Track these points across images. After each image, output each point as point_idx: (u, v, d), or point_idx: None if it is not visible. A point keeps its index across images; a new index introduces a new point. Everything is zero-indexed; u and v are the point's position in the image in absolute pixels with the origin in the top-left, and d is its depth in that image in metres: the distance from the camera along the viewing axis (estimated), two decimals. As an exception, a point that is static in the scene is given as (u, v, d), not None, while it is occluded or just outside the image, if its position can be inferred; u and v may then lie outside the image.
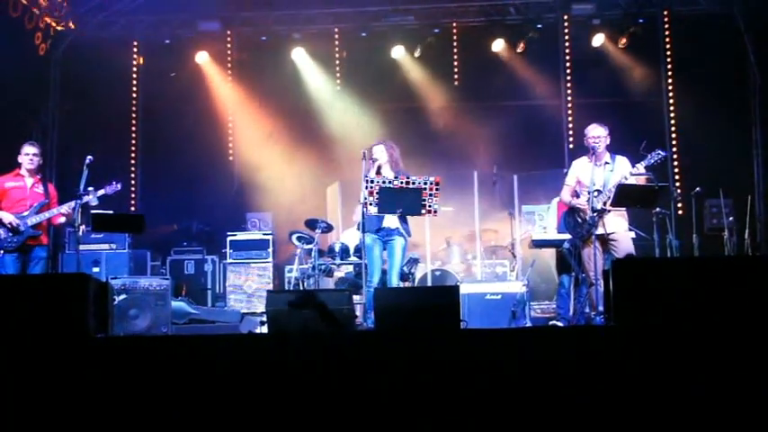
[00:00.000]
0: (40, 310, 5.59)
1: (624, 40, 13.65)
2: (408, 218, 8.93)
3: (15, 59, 11.98)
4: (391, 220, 8.94)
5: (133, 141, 14.48)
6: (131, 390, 5.28)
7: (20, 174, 9.03)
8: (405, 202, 8.35)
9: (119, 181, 9.11)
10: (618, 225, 8.52)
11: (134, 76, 14.50)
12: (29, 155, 9.04)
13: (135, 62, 14.48)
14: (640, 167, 8.33)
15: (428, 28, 14.12)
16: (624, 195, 8.23)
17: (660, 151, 8.33)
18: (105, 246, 11.95)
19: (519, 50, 14.07)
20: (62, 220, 9.02)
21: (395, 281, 8.92)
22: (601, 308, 7.86)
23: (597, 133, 8.66)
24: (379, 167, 8.99)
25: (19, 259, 8.77)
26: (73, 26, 12.86)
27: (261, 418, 5.19)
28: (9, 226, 8.64)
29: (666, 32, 13.68)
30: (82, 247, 9.69)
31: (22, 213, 8.77)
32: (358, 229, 10.35)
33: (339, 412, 5.17)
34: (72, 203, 8.70)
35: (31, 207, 8.84)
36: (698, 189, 11.17)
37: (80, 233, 8.70)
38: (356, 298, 9.31)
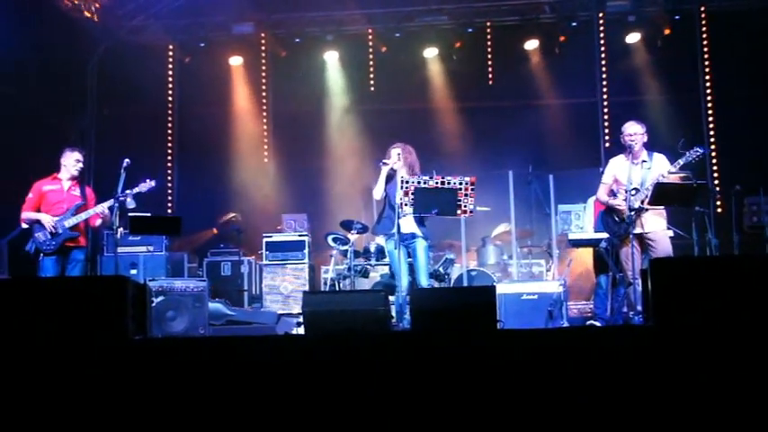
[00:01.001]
0: (80, 312, 5.64)
1: (660, 37, 13.54)
2: (440, 218, 8.88)
3: (53, 65, 12.13)
4: (408, 225, 8.90)
5: (169, 144, 14.59)
6: (170, 391, 5.31)
7: (57, 177, 9.11)
8: (440, 202, 8.31)
9: (152, 178, 9.16)
10: (656, 224, 8.44)
11: (170, 79, 14.61)
12: (80, 161, 9.15)
13: (171, 64, 14.59)
14: (678, 165, 8.25)
15: (462, 27, 14.10)
16: (662, 194, 8.15)
17: (698, 149, 8.23)
18: (143, 248, 12.03)
19: (553, 49, 14.01)
20: (99, 221, 9.10)
21: (424, 282, 8.87)
22: (639, 307, 7.80)
23: (633, 131, 8.59)
24: (394, 171, 8.97)
25: (58, 262, 8.86)
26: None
27: (298, 418, 5.20)
28: (48, 228, 8.73)
29: (703, 28, 13.55)
30: (120, 249, 9.77)
31: (60, 216, 8.85)
32: (373, 233, 10.39)
33: (376, 412, 5.16)
34: (108, 203, 8.77)
35: (68, 209, 8.93)
36: (737, 187, 11.06)
37: (118, 236, 8.76)
38: (392, 299, 9.30)
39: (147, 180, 9.04)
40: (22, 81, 11.62)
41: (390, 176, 8.99)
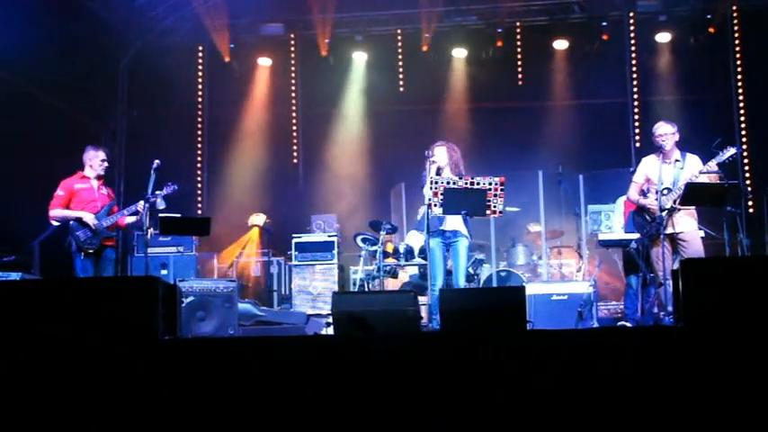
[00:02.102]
0: (110, 312, 5.68)
1: (691, 36, 13.45)
2: (471, 218, 8.86)
3: (85, 66, 12.23)
4: (453, 222, 8.87)
5: (199, 145, 14.66)
6: (199, 391, 5.34)
7: (85, 176, 9.16)
8: (469, 202, 8.29)
9: (175, 182, 9.19)
10: (687, 224, 8.38)
11: (200, 80, 14.68)
12: (105, 161, 9.21)
13: (201, 66, 14.67)
14: (712, 165, 8.19)
15: (492, 28, 14.07)
16: (693, 194, 8.08)
17: (732, 148, 8.16)
18: (173, 249, 12.10)
19: (584, 48, 13.96)
20: (131, 219, 9.14)
21: (461, 282, 8.85)
22: (670, 308, 7.75)
23: (664, 131, 8.53)
24: (439, 169, 8.93)
25: (94, 261, 8.91)
26: None
27: (327, 419, 5.21)
28: (91, 225, 8.79)
29: (735, 27, 13.44)
30: (150, 250, 9.81)
31: (96, 215, 8.91)
32: (417, 230, 10.35)
33: (405, 412, 5.16)
34: (140, 204, 8.81)
35: (102, 208, 8.99)
36: (770, 187, 10.97)
37: (148, 236, 8.80)
38: (421, 299, 9.29)
39: (170, 184, 9.07)
40: (54, 82, 11.73)
41: (437, 174, 8.97)
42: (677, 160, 8.50)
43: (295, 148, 14.75)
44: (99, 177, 9.19)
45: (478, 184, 8.23)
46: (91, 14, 12.58)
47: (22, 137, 11.06)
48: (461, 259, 8.86)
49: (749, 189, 12.47)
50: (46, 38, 11.00)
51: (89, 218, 8.79)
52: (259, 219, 14.01)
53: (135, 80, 14.16)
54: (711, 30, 13.49)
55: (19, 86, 11.23)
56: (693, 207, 8.41)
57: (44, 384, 5.36)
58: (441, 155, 8.97)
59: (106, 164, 9.23)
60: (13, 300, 5.79)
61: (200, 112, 14.69)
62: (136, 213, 8.95)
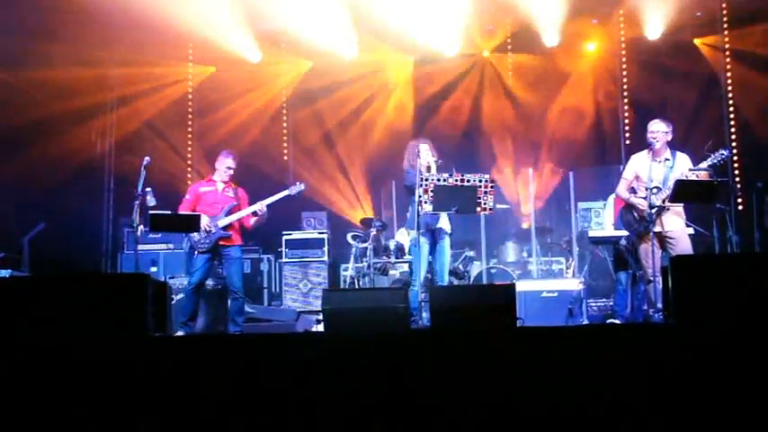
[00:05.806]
0: (101, 309, 5.67)
1: (681, 35, 13.45)
2: (458, 216, 8.88)
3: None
4: (440, 221, 8.92)
5: (189, 141, 14.61)
6: (189, 387, 5.33)
7: (212, 179, 9.56)
8: (460, 200, 8.32)
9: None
10: (675, 223, 8.40)
11: (189, 76, 14.62)
12: (231, 168, 9.55)
13: (191, 62, 14.61)
14: (703, 166, 8.20)
15: (483, 23, 14.04)
16: (683, 191, 8.10)
17: (724, 151, 8.17)
18: (163, 246, 12.11)
19: (574, 46, 13.94)
20: (253, 221, 9.49)
21: (446, 279, 8.92)
22: (659, 305, 7.77)
23: (656, 128, 8.54)
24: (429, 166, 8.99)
25: (209, 260, 9.28)
26: None
27: (317, 415, 5.21)
28: (205, 228, 8.99)
29: (725, 25, 13.45)
30: (140, 246, 9.82)
31: (215, 216, 9.23)
32: (406, 228, 10.39)
33: (395, 409, 5.17)
34: (266, 201, 9.32)
35: (222, 210, 9.25)
36: (758, 184, 10.97)
37: (138, 233, 8.82)
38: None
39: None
40: (46, 80, 11.68)
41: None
42: (667, 159, 8.52)
43: (285, 144, 14.72)
44: (225, 181, 9.53)
45: (468, 181, 8.25)
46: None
47: (5, 131, 11.03)
48: (446, 257, 8.94)
49: (738, 186, 12.49)
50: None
51: (204, 221, 9.12)
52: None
53: (125, 75, 14.09)
54: (701, 29, 13.49)
55: (5, 81, 11.18)
56: (681, 206, 8.43)
57: (34, 380, 5.36)
58: (425, 153, 9.04)
59: (231, 171, 9.58)
60: (2, 297, 5.79)
61: (189, 108, 14.64)
62: (255, 214, 9.39)
